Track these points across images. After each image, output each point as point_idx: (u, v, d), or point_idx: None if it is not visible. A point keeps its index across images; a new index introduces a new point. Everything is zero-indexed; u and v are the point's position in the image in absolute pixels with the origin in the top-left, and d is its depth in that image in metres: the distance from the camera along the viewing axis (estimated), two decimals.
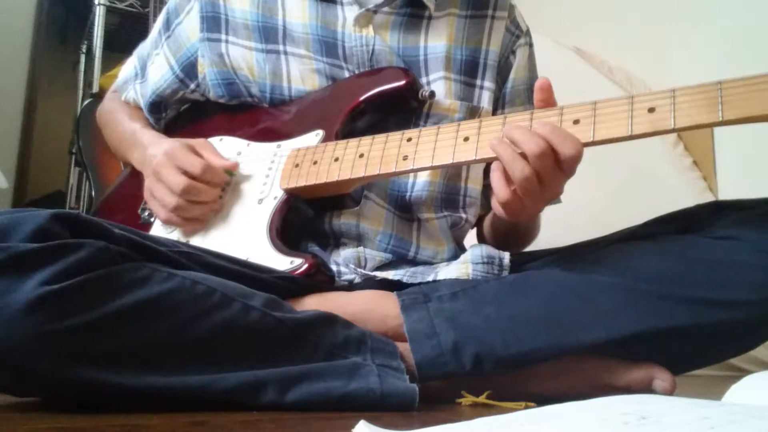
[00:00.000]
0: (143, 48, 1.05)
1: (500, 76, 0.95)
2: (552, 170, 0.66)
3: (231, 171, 0.88)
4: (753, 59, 1.52)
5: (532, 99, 0.97)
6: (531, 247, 0.98)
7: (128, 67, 1.07)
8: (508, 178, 0.68)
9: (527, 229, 0.97)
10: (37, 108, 2.70)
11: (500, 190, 0.69)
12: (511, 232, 0.96)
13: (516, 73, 0.96)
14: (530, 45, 0.99)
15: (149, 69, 1.01)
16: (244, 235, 0.82)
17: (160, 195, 0.85)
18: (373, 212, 0.87)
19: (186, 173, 0.83)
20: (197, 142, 0.88)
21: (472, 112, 0.90)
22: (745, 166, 1.61)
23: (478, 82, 0.92)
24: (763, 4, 1.57)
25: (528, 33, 0.99)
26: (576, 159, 0.66)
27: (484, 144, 0.73)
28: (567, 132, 0.67)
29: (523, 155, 0.66)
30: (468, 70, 0.91)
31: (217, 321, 0.59)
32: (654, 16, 1.91)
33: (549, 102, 0.72)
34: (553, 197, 0.71)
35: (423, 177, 0.88)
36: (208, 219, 0.86)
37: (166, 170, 0.84)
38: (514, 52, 0.96)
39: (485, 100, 0.92)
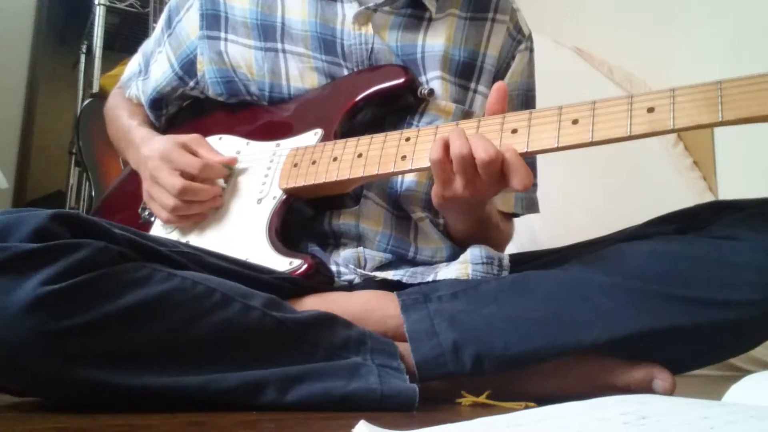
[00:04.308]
0: (147, 45, 1.05)
1: (497, 80, 0.94)
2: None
3: (230, 166, 0.87)
4: (753, 59, 1.52)
5: (526, 105, 0.97)
6: (531, 248, 0.98)
7: (133, 63, 1.07)
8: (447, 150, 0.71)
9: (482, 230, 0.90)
10: (37, 108, 2.70)
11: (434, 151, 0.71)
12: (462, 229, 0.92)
13: (511, 78, 0.95)
14: (531, 50, 0.98)
15: (152, 67, 1.02)
16: (243, 236, 0.82)
17: (158, 197, 0.85)
18: (373, 212, 0.86)
19: (183, 174, 0.83)
20: (191, 140, 0.88)
21: (466, 116, 0.90)
22: (745, 166, 1.61)
23: (473, 85, 0.92)
24: (763, 4, 1.57)
25: (530, 37, 0.98)
26: (526, 188, 0.70)
27: None
28: (524, 167, 0.69)
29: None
30: (463, 73, 0.91)
31: (216, 321, 0.59)
32: (654, 16, 1.91)
33: (500, 105, 0.73)
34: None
35: (412, 175, 0.88)
36: (209, 214, 0.86)
37: (163, 173, 0.84)
38: (514, 57, 0.95)
39: (478, 104, 0.91)
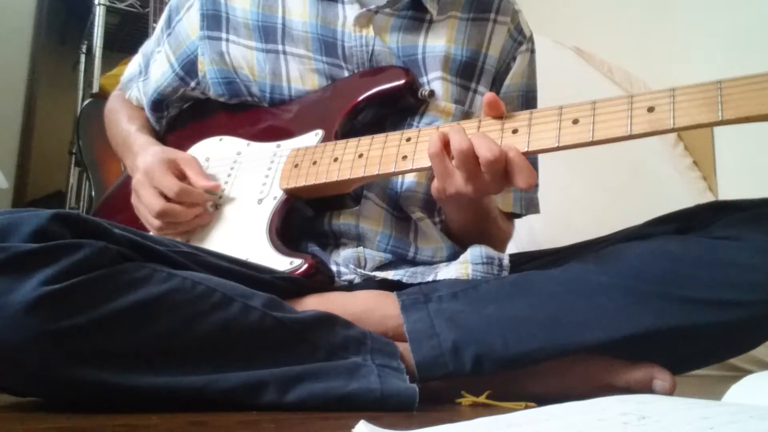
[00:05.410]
0: (147, 46, 1.05)
1: (497, 81, 0.94)
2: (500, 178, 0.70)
3: (213, 192, 0.86)
4: (753, 59, 1.52)
5: (527, 106, 0.97)
6: (531, 248, 0.97)
7: (133, 65, 1.07)
8: (448, 149, 0.71)
9: (480, 226, 0.90)
10: (37, 108, 2.70)
11: (432, 144, 0.71)
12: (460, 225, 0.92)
13: (512, 79, 0.95)
14: (532, 51, 0.98)
15: (151, 67, 1.01)
16: (244, 236, 0.82)
17: (143, 214, 0.86)
18: (373, 212, 0.86)
19: (162, 195, 0.83)
20: (181, 158, 0.87)
21: (466, 117, 0.90)
22: (745, 166, 1.61)
23: (473, 85, 0.92)
24: (764, 4, 1.57)
25: (531, 39, 0.98)
26: (530, 187, 0.70)
27: None
28: (528, 166, 0.68)
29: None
30: (464, 73, 0.91)
31: (217, 321, 0.59)
32: (654, 16, 1.91)
33: (496, 116, 0.73)
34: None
35: (411, 176, 0.88)
36: (198, 230, 0.86)
37: (144, 190, 0.84)
38: (515, 58, 0.95)
39: (477, 105, 0.91)
